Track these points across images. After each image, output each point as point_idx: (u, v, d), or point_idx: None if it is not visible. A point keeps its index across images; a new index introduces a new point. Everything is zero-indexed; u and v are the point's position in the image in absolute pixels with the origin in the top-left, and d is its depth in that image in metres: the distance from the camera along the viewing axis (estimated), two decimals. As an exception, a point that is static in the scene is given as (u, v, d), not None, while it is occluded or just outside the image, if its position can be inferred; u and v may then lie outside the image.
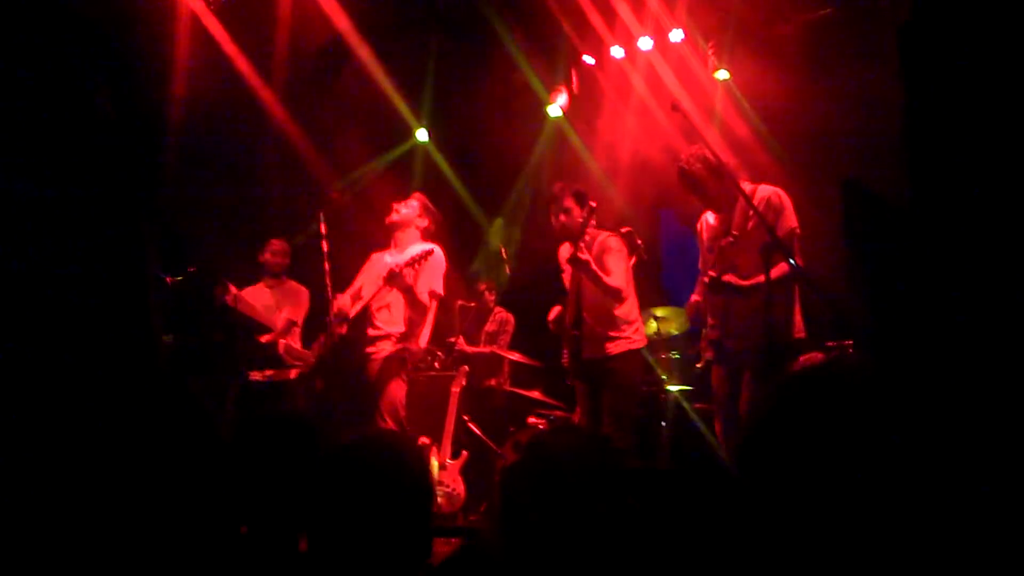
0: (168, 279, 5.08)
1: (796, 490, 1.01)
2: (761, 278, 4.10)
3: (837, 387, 1.08)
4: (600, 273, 4.82)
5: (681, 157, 4.57)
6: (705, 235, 4.70)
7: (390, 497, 1.80)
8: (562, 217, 5.02)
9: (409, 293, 5.13)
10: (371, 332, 5.29)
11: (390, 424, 5.13)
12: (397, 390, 5.21)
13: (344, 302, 5.15)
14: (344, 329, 5.10)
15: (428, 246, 5.26)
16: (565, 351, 5.09)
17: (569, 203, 5.00)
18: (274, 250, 6.04)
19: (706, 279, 4.45)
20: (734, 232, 4.38)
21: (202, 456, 1.44)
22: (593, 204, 4.89)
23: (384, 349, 5.26)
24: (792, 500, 1.02)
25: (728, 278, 4.33)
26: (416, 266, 5.09)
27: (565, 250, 5.21)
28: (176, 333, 5.04)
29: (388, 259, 5.30)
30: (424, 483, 1.89)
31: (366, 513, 1.78)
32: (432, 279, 5.27)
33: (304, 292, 6.03)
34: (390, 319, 5.30)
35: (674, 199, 7.03)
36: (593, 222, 4.91)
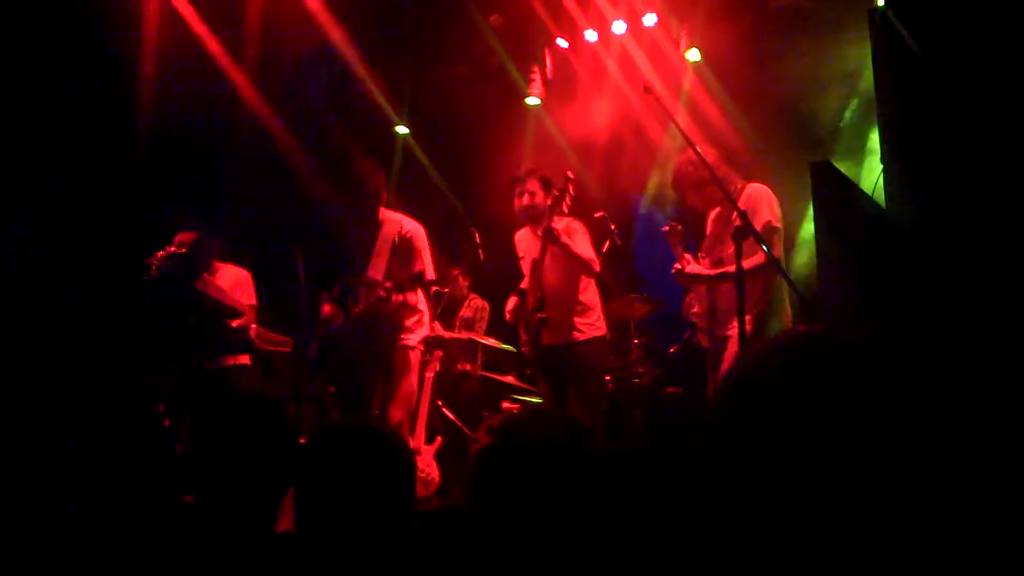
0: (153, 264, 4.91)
1: (765, 464, 1.01)
2: (753, 260, 4.16)
3: (814, 353, 1.07)
4: (571, 243, 4.84)
5: (677, 162, 4.72)
6: (710, 225, 4.76)
7: (377, 481, 1.82)
8: (525, 199, 5.05)
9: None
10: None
11: (402, 413, 5.14)
12: (415, 381, 5.24)
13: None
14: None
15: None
16: (524, 338, 5.11)
17: (533, 186, 5.05)
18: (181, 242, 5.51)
19: (672, 271, 4.56)
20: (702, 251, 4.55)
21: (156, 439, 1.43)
22: (562, 190, 4.89)
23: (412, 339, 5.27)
24: (762, 476, 1.01)
25: (691, 269, 4.46)
26: None
27: (523, 236, 5.23)
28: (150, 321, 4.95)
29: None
30: (409, 470, 1.91)
31: (352, 495, 1.80)
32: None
33: (247, 275, 5.79)
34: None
35: (647, 184, 7.05)
36: (565, 207, 4.92)
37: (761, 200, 4.44)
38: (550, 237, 4.80)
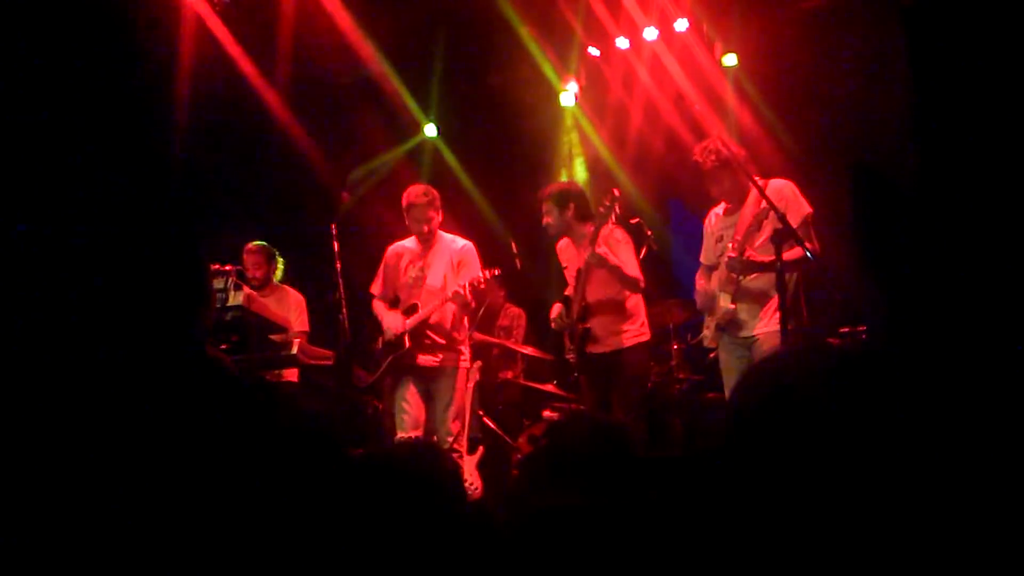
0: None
1: (790, 469, 1.00)
2: (793, 254, 4.12)
3: (836, 369, 1.07)
4: (620, 265, 4.85)
5: (695, 150, 4.60)
6: (715, 228, 4.70)
7: (428, 506, 1.81)
8: (545, 219, 5.16)
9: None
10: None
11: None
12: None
13: None
14: None
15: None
16: (568, 346, 5.13)
17: (547, 207, 5.16)
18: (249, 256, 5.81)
19: (725, 259, 4.43)
20: (734, 243, 4.40)
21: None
22: (608, 207, 4.88)
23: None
24: (787, 481, 1.01)
25: (749, 255, 4.31)
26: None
27: (565, 246, 5.26)
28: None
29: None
30: (459, 492, 1.90)
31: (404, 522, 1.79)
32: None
33: (302, 300, 5.90)
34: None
35: (683, 189, 7.03)
36: (611, 224, 4.93)
37: (794, 195, 4.39)
38: (599, 262, 4.82)
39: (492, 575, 1.59)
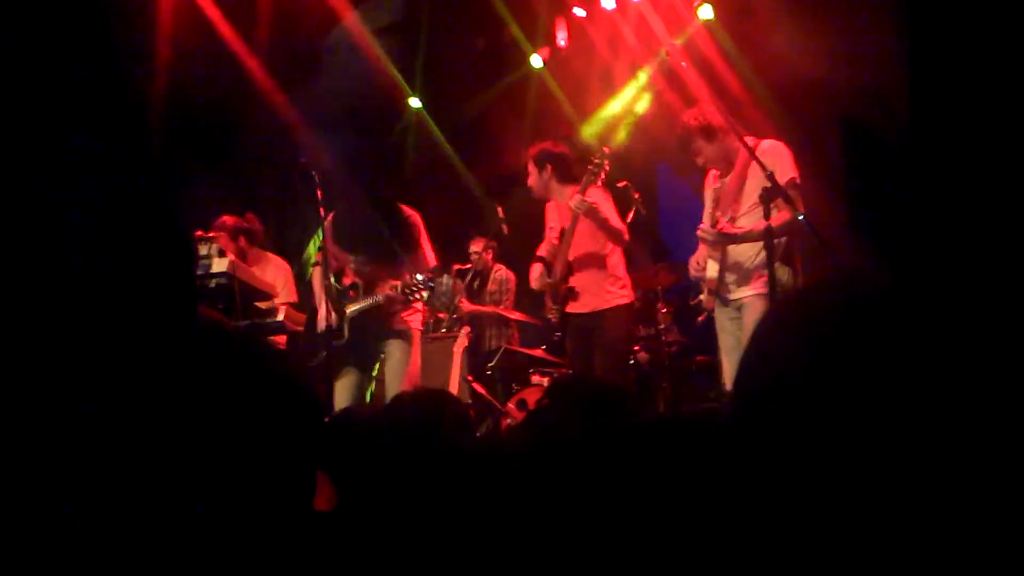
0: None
1: (795, 420, 0.97)
2: (760, 225, 4.10)
3: (845, 304, 1.02)
4: (606, 216, 4.87)
5: (681, 119, 4.58)
6: (709, 193, 4.68)
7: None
8: (528, 180, 5.24)
9: None
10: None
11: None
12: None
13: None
14: None
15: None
16: (550, 306, 5.14)
17: (528, 167, 5.21)
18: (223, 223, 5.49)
19: (699, 233, 4.46)
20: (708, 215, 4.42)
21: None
22: (598, 164, 4.87)
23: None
24: (791, 438, 0.97)
25: (722, 227, 4.35)
26: None
27: (553, 206, 5.27)
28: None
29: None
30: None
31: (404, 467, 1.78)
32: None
33: (288, 268, 5.75)
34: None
35: (670, 153, 6.99)
36: (599, 181, 4.93)
37: (783, 156, 4.37)
38: (591, 213, 4.82)
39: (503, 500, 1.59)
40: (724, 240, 4.36)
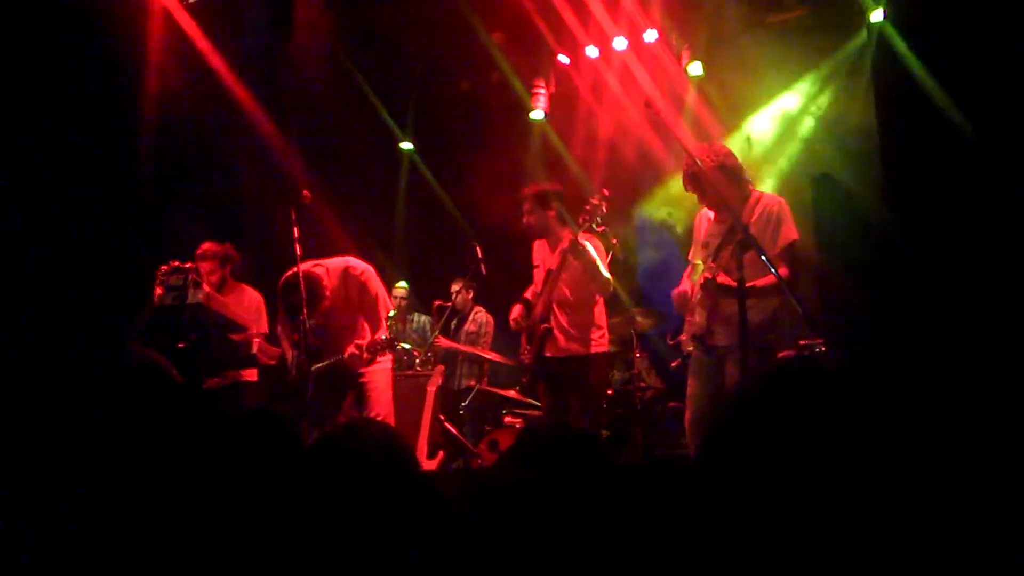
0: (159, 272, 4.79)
1: (758, 483, 1.02)
2: (764, 280, 4.07)
3: (814, 381, 1.09)
4: (597, 261, 4.85)
5: (699, 155, 4.42)
6: (703, 230, 4.65)
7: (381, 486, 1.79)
8: (526, 218, 5.16)
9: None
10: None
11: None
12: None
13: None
14: None
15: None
16: (525, 347, 5.11)
17: (528, 205, 5.15)
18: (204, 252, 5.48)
19: (702, 279, 4.39)
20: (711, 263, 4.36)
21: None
22: (595, 206, 4.87)
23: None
24: (754, 493, 1.03)
25: (722, 279, 4.25)
26: None
27: (540, 245, 5.27)
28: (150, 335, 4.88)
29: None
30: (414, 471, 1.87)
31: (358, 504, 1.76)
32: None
33: (260, 300, 5.69)
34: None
35: (649, 197, 7.07)
36: (595, 224, 4.90)
37: (786, 215, 4.32)
38: (578, 253, 4.80)
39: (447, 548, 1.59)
40: (723, 292, 4.27)
